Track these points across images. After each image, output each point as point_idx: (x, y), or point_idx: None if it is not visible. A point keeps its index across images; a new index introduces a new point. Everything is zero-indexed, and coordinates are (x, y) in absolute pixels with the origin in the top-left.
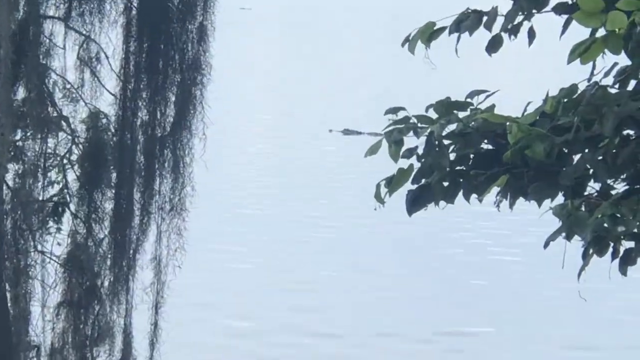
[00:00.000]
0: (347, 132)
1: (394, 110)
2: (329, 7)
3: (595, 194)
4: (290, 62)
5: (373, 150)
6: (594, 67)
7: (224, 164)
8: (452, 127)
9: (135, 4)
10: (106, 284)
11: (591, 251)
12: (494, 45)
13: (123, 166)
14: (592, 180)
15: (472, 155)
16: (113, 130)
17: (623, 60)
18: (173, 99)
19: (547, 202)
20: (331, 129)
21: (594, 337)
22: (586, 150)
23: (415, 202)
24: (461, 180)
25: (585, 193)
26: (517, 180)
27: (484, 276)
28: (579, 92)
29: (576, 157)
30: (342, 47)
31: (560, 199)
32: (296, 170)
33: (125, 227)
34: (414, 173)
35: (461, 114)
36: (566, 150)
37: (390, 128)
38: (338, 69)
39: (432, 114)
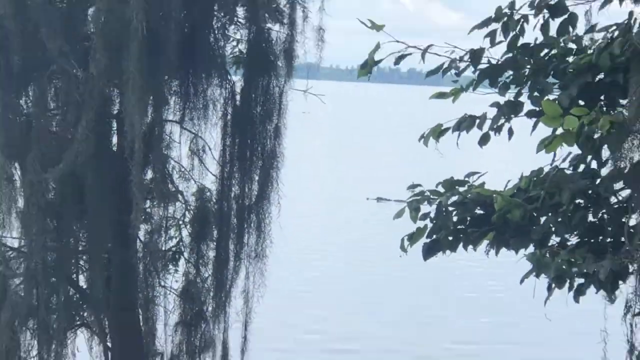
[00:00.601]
0: (379, 199)
1: (414, 186)
2: (368, 111)
3: (556, 244)
4: (341, 150)
5: (399, 214)
6: (555, 155)
7: (294, 224)
8: (455, 198)
9: (230, 111)
10: (210, 309)
11: (553, 285)
12: (484, 139)
13: (222, 226)
14: (554, 235)
15: (469, 218)
16: (214, 201)
17: (576, 150)
18: (257, 178)
19: (522, 251)
20: (368, 197)
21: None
22: (550, 214)
23: (429, 251)
24: (461, 235)
25: (550, 244)
26: (501, 235)
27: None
28: (544, 173)
29: (542, 219)
30: (380, 140)
31: (531, 248)
32: (339, 229)
33: (223, 269)
34: (427, 231)
35: (461, 189)
36: (535, 214)
37: (411, 199)
38: (376, 157)
39: (441, 189)
